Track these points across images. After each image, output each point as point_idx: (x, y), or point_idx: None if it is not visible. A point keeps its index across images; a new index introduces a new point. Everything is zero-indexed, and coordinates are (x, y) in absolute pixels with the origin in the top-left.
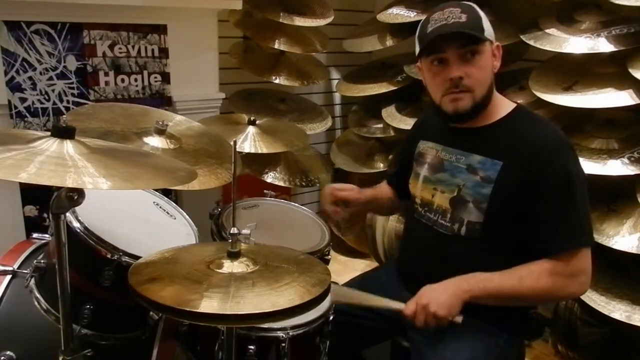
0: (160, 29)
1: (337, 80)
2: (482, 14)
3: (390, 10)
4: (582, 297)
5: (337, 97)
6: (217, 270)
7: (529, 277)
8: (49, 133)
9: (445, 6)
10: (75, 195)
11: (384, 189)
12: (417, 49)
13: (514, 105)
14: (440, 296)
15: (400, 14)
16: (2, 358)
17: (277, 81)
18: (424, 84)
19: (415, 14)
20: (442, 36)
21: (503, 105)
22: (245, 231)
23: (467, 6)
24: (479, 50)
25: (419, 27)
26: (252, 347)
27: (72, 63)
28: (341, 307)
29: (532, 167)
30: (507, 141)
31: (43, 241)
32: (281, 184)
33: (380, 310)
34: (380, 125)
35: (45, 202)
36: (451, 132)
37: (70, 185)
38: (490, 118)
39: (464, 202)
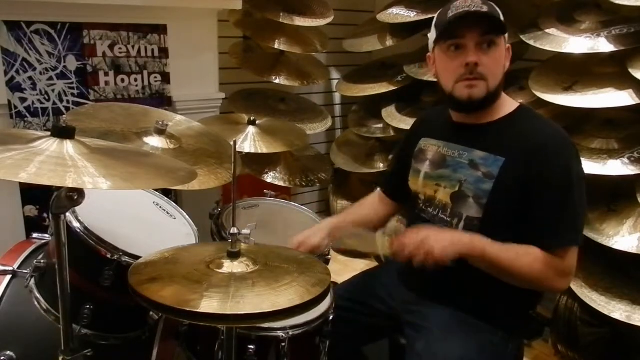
0: (160, 29)
1: (337, 80)
2: (499, 10)
3: (390, 10)
4: (582, 297)
5: (337, 97)
6: (217, 270)
7: (526, 257)
8: (49, 133)
9: None
10: (75, 195)
11: (364, 210)
12: (433, 35)
13: (518, 104)
14: (441, 236)
15: (400, 14)
16: (2, 358)
17: (277, 81)
18: (435, 73)
19: (415, 14)
20: (464, 20)
21: (507, 104)
22: (245, 231)
23: (487, 1)
24: (496, 42)
25: (437, 15)
26: (252, 347)
27: (72, 63)
28: (341, 304)
29: (534, 165)
30: (510, 138)
31: (43, 241)
32: (281, 184)
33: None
34: (380, 125)
35: (45, 202)
36: (454, 128)
37: (70, 185)
38: (494, 115)
39: (464, 197)
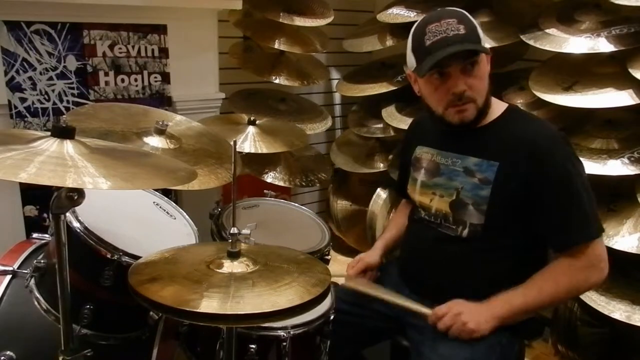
0: (160, 29)
1: (337, 80)
2: (475, 22)
3: (390, 10)
4: (582, 297)
5: (337, 97)
6: (217, 270)
7: (549, 282)
8: (49, 133)
9: (441, 16)
10: (75, 195)
11: (403, 219)
12: (412, 62)
13: (506, 105)
14: (475, 313)
15: (400, 14)
16: (2, 358)
17: (277, 81)
18: (419, 94)
19: (415, 14)
20: (447, 56)
21: (495, 107)
22: (245, 231)
23: (461, 15)
24: (478, 60)
25: (412, 39)
26: (253, 346)
27: (72, 63)
28: (342, 307)
29: (529, 166)
30: (502, 141)
31: (43, 241)
32: (281, 184)
33: (403, 310)
34: (380, 125)
35: (45, 202)
36: (445, 135)
37: (70, 185)
38: (484, 120)
39: (463, 205)
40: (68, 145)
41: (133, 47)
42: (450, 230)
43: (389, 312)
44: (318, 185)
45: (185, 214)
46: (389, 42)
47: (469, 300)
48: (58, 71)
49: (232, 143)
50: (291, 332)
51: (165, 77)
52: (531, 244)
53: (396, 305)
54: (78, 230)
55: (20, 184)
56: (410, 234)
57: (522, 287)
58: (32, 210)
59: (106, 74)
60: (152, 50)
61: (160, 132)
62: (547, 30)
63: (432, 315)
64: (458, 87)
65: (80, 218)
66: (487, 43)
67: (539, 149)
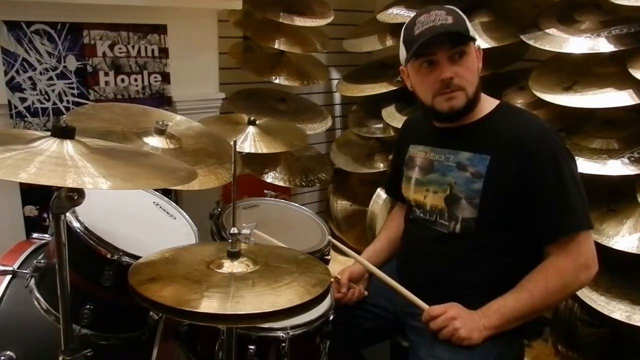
0: (160, 29)
1: (337, 80)
2: (464, 16)
3: (390, 10)
4: (582, 297)
5: (337, 97)
6: (217, 270)
7: (537, 285)
8: (49, 133)
9: (430, 9)
10: (75, 195)
11: (393, 226)
12: (404, 53)
13: (498, 102)
14: (470, 320)
15: (400, 14)
16: (2, 358)
17: (277, 81)
18: (411, 88)
19: (415, 14)
20: (433, 37)
21: (487, 103)
22: (245, 231)
23: (450, 9)
24: (467, 51)
25: (403, 32)
26: (252, 347)
27: (72, 63)
28: (341, 307)
29: (519, 159)
30: (493, 135)
31: (43, 241)
32: (281, 184)
33: (402, 298)
34: (380, 125)
35: (45, 202)
36: (438, 132)
37: (70, 185)
38: (475, 115)
39: (457, 199)
40: (68, 145)
41: (133, 47)
42: (444, 227)
43: (388, 313)
44: (318, 185)
45: (185, 214)
46: (389, 42)
47: (465, 299)
48: (58, 71)
49: (232, 143)
50: (290, 333)
51: (165, 77)
52: (525, 239)
53: (395, 291)
54: (78, 230)
55: (20, 184)
56: (406, 234)
57: (513, 292)
58: (32, 210)
59: (106, 74)
60: (152, 50)
61: (160, 132)
62: (547, 30)
63: (427, 313)
64: (445, 74)
65: (80, 218)
66: (487, 43)
67: (529, 142)
